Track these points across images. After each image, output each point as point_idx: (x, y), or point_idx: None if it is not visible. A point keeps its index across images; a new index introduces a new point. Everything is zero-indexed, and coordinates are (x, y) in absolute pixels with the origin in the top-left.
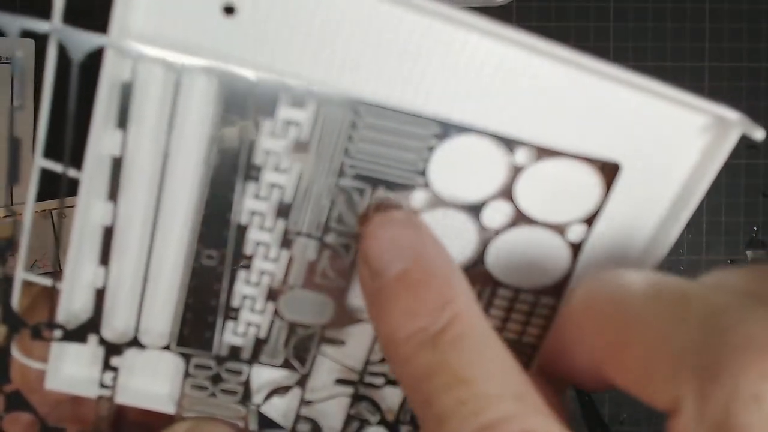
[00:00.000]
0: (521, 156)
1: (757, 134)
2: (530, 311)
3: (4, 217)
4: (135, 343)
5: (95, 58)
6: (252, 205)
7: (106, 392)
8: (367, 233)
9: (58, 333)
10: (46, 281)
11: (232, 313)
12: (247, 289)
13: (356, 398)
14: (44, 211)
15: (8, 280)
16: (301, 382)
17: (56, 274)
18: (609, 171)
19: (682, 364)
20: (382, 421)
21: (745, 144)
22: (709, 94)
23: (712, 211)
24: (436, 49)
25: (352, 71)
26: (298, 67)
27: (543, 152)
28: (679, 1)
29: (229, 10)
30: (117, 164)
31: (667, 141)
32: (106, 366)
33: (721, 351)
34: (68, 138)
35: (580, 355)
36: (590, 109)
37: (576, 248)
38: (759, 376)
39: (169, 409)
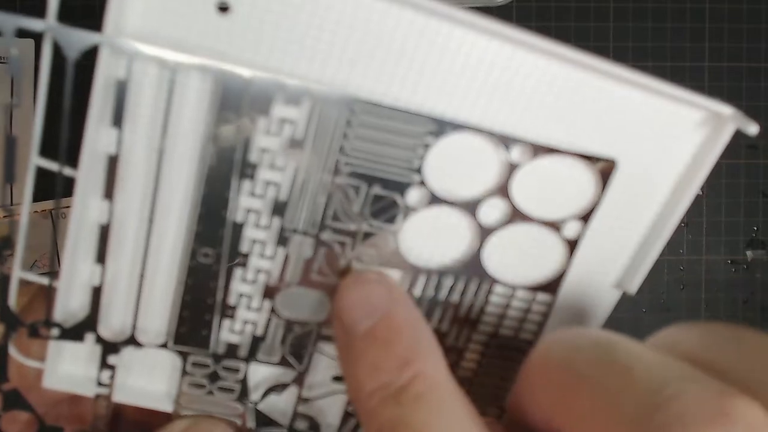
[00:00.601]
0: (517, 153)
1: (751, 129)
2: (527, 308)
3: (3, 217)
4: (132, 341)
5: (91, 57)
6: (247, 203)
7: (103, 391)
8: (340, 289)
9: (55, 331)
10: (43, 280)
11: (228, 311)
12: (243, 287)
13: None
14: (44, 211)
15: (5, 279)
16: (299, 380)
17: (54, 273)
18: (605, 168)
19: None
20: None
21: (745, 144)
22: (709, 94)
23: (712, 211)
24: (433, 48)
25: (347, 69)
26: (294, 65)
27: (539, 149)
28: (679, 1)
29: (223, 9)
30: (112, 162)
31: (662, 137)
32: (104, 364)
33: (657, 425)
34: (63, 136)
35: (533, 410)
36: (585, 105)
37: (572, 245)
38: None
39: (167, 407)
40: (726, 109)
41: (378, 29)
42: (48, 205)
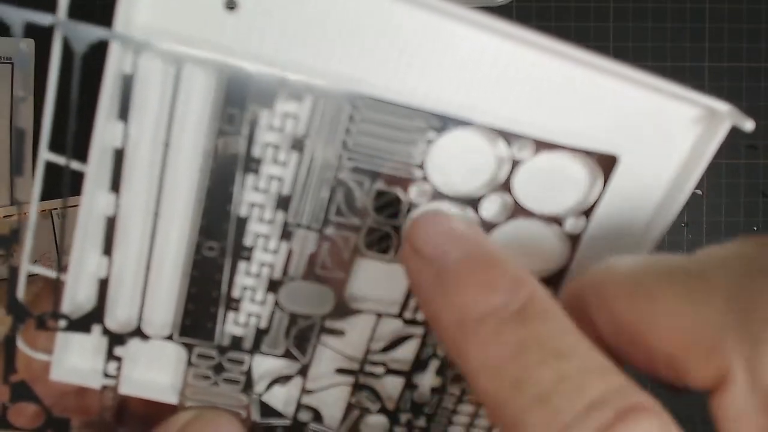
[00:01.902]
0: (519, 149)
1: (747, 125)
2: None
3: (4, 217)
4: (138, 333)
5: (98, 52)
6: (252, 198)
7: (110, 382)
8: (417, 224)
9: (62, 323)
10: (51, 273)
11: (233, 304)
12: (247, 280)
13: (357, 387)
14: (44, 211)
15: (14, 272)
16: (302, 372)
17: (62, 266)
18: (606, 163)
19: (725, 338)
20: (383, 410)
21: (745, 144)
22: (709, 94)
23: (712, 211)
24: (436, 44)
25: (351, 65)
26: (299, 61)
27: (541, 145)
28: (679, 1)
29: (230, 5)
30: (119, 156)
31: (660, 132)
32: (110, 356)
33: (760, 319)
34: (71, 130)
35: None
36: (586, 101)
37: (574, 240)
38: None
39: (172, 399)
40: (722, 106)
41: (381, 25)
42: (48, 204)
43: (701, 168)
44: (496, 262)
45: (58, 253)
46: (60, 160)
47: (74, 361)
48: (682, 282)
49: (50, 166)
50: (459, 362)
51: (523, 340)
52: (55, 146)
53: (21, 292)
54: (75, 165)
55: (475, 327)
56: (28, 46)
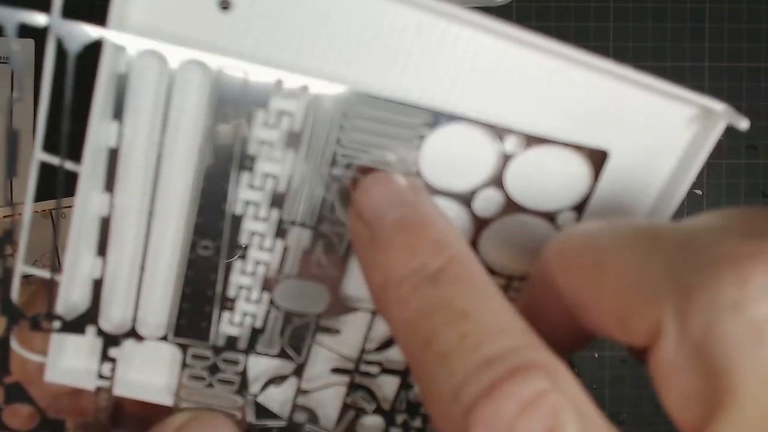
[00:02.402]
0: (510, 144)
1: (742, 124)
2: None
3: (4, 217)
4: (132, 334)
5: (93, 52)
6: (247, 195)
7: (104, 384)
8: (362, 185)
9: (56, 324)
10: (45, 273)
11: (228, 303)
12: (242, 279)
13: (352, 387)
14: (44, 210)
15: (8, 273)
16: (298, 372)
17: (56, 268)
18: (597, 158)
19: (659, 288)
20: (378, 410)
21: (745, 144)
22: (709, 94)
23: None
24: (429, 43)
25: (346, 64)
26: (293, 60)
27: (532, 140)
28: (679, 1)
29: (224, 6)
30: (113, 156)
31: (655, 131)
32: (105, 357)
33: (696, 269)
34: (64, 131)
35: (555, 310)
36: (577, 99)
37: None
38: (735, 285)
39: (167, 400)
40: (717, 105)
41: (376, 26)
42: (49, 204)
43: (697, 167)
44: (424, 225)
45: (57, 252)
46: (54, 160)
47: (69, 363)
48: (630, 240)
49: (45, 171)
50: (386, 323)
51: (434, 301)
52: (49, 147)
53: (15, 292)
54: (70, 165)
55: (396, 287)
56: (26, 46)
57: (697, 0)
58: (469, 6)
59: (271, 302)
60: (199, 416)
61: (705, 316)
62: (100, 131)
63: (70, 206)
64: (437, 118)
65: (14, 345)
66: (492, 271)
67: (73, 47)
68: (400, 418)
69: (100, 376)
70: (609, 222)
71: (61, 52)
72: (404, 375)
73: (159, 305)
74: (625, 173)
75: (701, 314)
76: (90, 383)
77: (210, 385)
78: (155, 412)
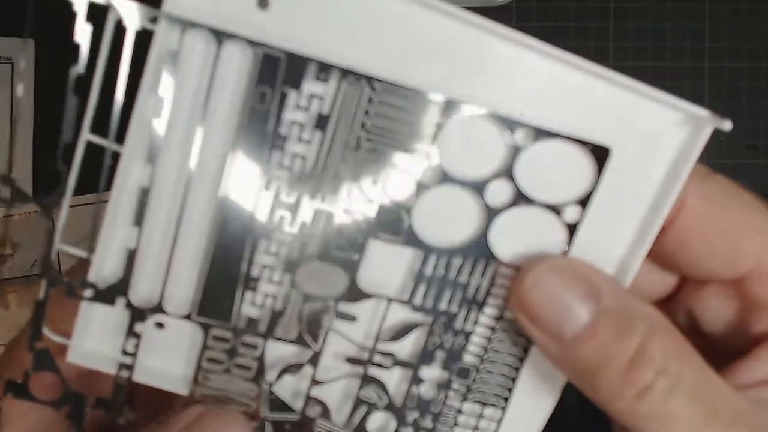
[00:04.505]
0: (520, 136)
1: (726, 125)
2: None
3: (4, 217)
4: (159, 309)
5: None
6: (276, 174)
7: (127, 360)
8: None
9: (89, 292)
10: (82, 252)
11: (251, 283)
12: (266, 258)
13: (365, 380)
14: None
15: (50, 237)
16: (313, 360)
17: (90, 247)
18: (599, 154)
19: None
20: (390, 406)
21: (745, 144)
22: (709, 94)
23: None
24: (449, 43)
25: (373, 61)
26: (325, 53)
27: (540, 133)
28: (679, 1)
29: (263, 4)
30: (159, 127)
31: (650, 133)
32: (130, 332)
33: None
34: (116, 105)
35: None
36: (581, 100)
37: (572, 229)
38: None
39: (183, 390)
40: (700, 111)
41: (400, 26)
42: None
43: (688, 168)
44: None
45: (58, 255)
46: (102, 141)
47: (92, 344)
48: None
49: (46, 171)
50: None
51: None
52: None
53: (54, 253)
54: (115, 146)
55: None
56: (21, 50)
57: (697, 0)
58: (469, 6)
59: (292, 284)
60: (214, 410)
61: None
62: (146, 105)
63: (79, 204)
64: (453, 107)
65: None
66: (501, 263)
67: (133, 26)
68: (410, 417)
69: (124, 352)
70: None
71: (118, 31)
72: (415, 368)
73: (186, 281)
74: (626, 171)
75: None
76: (111, 367)
77: (227, 371)
78: (170, 400)
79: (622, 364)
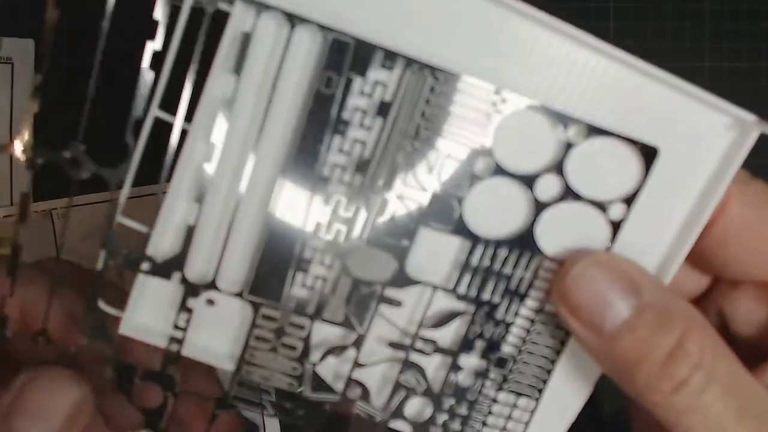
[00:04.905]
0: (573, 132)
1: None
2: None
3: (4, 217)
4: (212, 286)
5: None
6: (335, 159)
7: (178, 334)
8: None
9: (146, 265)
10: (141, 227)
11: (303, 265)
12: (317, 242)
13: (406, 365)
14: (44, 211)
15: (111, 213)
16: (357, 343)
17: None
18: (648, 154)
19: None
20: (428, 392)
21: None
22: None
23: None
24: (513, 39)
25: (440, 50)
26: (393, 45)
27: (592, 130)
28: (679, 1)
29: None
30: (228, 106)
31: (697, 135)
32: (183, 307)
33: None
34: (188, 85)
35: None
36: (631, 98)
37: (616, 226)
38: None
39: (230, 365)
40: (749, 116)
41: (466, 17)
42: (49, 204)
43: (732, 171)
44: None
45: (58, 255)
46: (170, 118)
47: (145, 317)
48: None
49: (49, 172)
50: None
51: None
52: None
53: (114, 224)
54: (183, 124)
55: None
56: (21, 50)
57: (697, 0)
58: None
59: (343, 268)
60: (41, 374)
61: None
62: (217, 83)
63: (77, 205)
64: (509, 100)
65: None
66: (545, 256)
67: (210, 8)
68: (447, 403)
69: (176, 327)
70: None
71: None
72: (455, 356)
73: (240, 259)
74: (672, 171)
75: None
76: (162, 341)
77: (273, 349)
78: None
79: (661, 358)
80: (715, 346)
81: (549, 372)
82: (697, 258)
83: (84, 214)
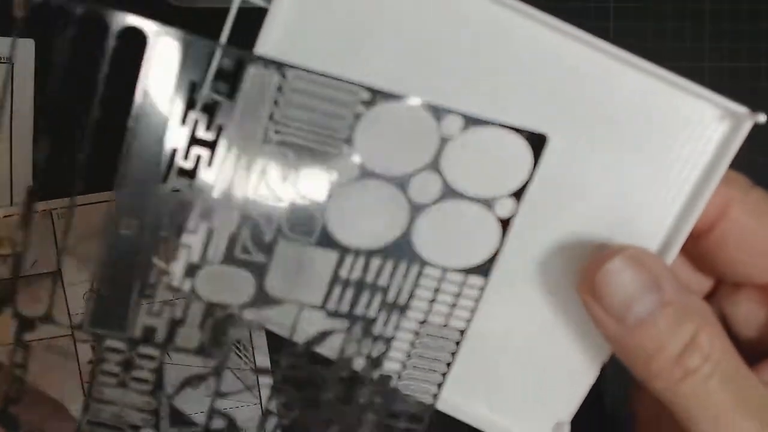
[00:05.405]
0: (447, 125)
1: (761, 118)
2: (458, 292)
3: (4, 217)
4: (47, 319)
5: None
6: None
7: (19, 373)
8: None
9: None
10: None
11: (148, 290)
12: (162, 264)
13: (274, 390)
14: (44, 211)
15: None
16: (217, 371)
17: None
18: (536, 142)
19: None
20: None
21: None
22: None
23: None
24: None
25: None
26: None
27: (470, 122)
28: (679, 1)
29: None
30: None
31: (690, 127)
32: (18, 342)
33: None
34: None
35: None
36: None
37: (505, 224)
38: None
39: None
40: (740, 108)
41: None
42: (48, 205)
43: (726, 163)
44: None
45: (57, 255)
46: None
47: None
48: None
49: (49, 172)
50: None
51: None
52: None
53: None
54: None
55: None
56: (21, 50)
57: (697, 0)
58: None
59: (193, 290)
60: None
61: None
62: None
63: (80, 204)
64: (374, 95)
65: None
66: (425, 263)
67: None
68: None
69: (15, 365)
70: None
71: None
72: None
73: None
74: (665, 164)
75: None
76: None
77: (123, 384)
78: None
79: (677, 350)
80: (721, 341)
81: (440, 386)
82: (700, 260)
83: (84, 214)
